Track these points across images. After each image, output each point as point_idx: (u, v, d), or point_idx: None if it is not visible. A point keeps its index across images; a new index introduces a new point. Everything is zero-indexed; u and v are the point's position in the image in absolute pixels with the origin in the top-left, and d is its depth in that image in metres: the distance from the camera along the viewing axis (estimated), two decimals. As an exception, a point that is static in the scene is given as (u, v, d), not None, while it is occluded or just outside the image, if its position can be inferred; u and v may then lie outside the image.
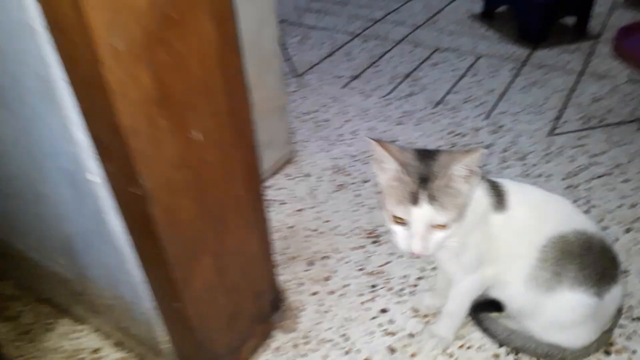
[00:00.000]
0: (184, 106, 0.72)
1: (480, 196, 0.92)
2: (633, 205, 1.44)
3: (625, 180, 1.53)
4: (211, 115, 0.78)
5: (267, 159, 1.64)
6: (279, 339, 1.14)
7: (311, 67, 2.34)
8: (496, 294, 1.03)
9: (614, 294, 0.98)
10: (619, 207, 1.44)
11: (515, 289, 0.98)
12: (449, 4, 2.97)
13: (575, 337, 1.00)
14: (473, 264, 0.96)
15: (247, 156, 0.91)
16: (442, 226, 0.80)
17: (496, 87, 2.08)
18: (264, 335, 1.14)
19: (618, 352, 1.07)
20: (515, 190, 0.96)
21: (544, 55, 2.29)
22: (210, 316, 0.95)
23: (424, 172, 0.80)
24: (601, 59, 2.23)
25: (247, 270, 1.01)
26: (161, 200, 0.74)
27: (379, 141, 0.81)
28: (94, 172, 0.75)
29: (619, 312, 1.04)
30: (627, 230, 1.36)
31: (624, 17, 2.50)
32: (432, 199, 0.78)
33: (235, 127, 0.84)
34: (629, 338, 1.10)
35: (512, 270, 0.97)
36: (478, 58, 2.32)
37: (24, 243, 1.11)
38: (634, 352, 1.07)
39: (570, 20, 2.49)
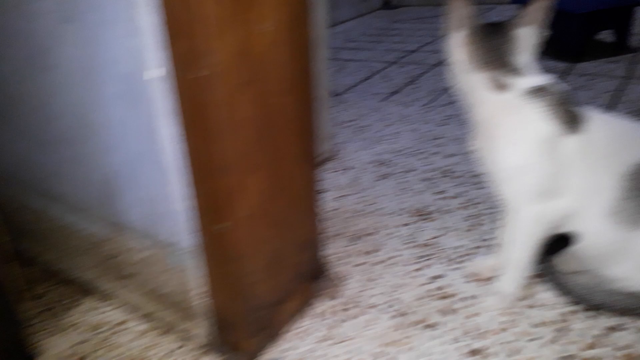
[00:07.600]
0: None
1: (541, 113, 0.86)
2: None
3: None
4: (282, 4, 0.76)
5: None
6: (323, 304, 1.05)
7: (349, 88, 2.37)
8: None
9: None
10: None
11: (592, 226, 0.87)
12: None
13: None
14: (532, 191, 0.87)
15: (305, 67, 0.87)
16: None
17: (539, 93, 2.02)
18: (306, 299, 1.05)
19: None
20: (596, 115, 0.88)
21: (585, 66, 2.25)
22: (252, 251, 0.87)
23: None
24: (647, 66, 2.17)
25: (294, 209, 0.94)
26: (221, 88, 0.71)
27: None
28: (155, 65, 0.73)
29: None
30: None
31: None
32: None
33: (300, 30, 0.81)
34: None
35: (589, 203, 0.87)
36: (517, 72, 2.29)
37: (59, 206, 1.08)
38: None
39: (608, 37, 2.47)
